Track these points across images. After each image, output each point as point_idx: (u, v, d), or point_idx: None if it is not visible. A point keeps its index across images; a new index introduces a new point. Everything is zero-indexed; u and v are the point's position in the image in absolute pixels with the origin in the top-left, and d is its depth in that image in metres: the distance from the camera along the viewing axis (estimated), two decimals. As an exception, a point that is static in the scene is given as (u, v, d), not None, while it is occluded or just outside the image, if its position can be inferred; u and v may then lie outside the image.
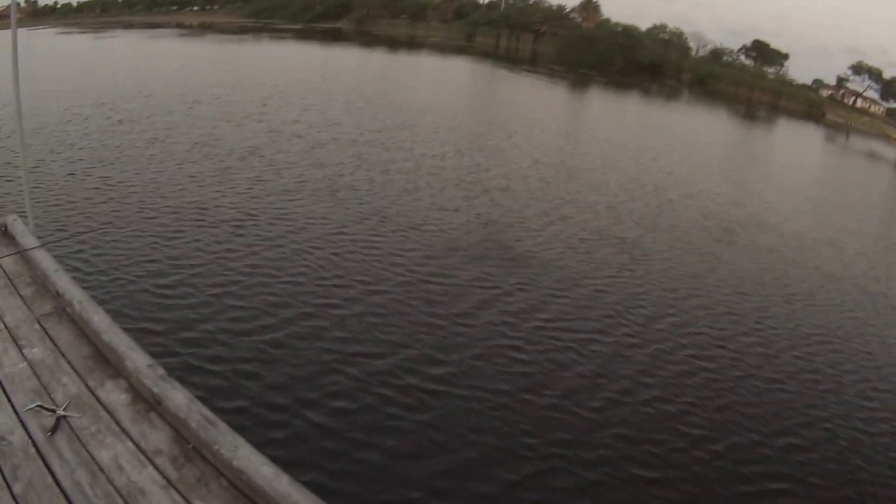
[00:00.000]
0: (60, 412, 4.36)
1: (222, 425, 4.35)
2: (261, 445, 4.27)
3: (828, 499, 8.05)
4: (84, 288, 5.86)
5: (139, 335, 5.62)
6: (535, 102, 44.69)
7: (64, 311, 5.57)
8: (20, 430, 4.20)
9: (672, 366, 10.47)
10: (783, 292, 14.89)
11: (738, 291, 14.29)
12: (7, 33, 6.92)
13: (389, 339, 9.66)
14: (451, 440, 7.74)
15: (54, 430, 4.22)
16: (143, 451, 4.18)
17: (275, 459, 4.15)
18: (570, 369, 9.78)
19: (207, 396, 4.71)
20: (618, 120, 44.64)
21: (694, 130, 46.64)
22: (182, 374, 5.02)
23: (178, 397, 4.52)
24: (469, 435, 7.89)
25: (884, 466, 8.93)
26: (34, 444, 4.10)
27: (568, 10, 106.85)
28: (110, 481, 3.90)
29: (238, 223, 13.00)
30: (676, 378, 10.12)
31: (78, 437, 4.21)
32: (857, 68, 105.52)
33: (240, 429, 4.39)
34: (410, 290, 11.30)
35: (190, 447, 4.26)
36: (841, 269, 17.86)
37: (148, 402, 4.60)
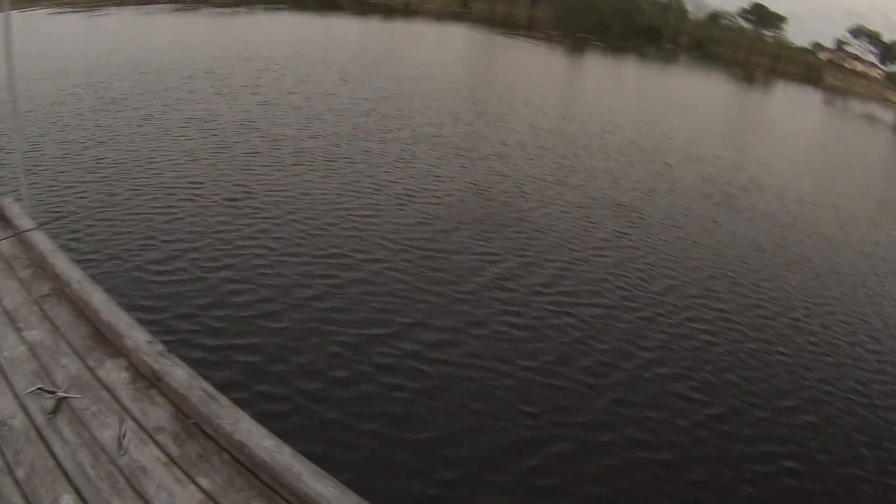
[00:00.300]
0: (61, 394, 4.36)
1: (223, 399, 4.37)
2: (262, 420, 4.29)
3: (828, 464, 8.05)
4: (82, 268, 5.86)
5: (138, 314, 5.60)
6: (532, 68, 44.43)
7: (62, 291, 5.57)
8: (21, 414, 4.20)
9: (672, 330, 10.48)
10: (783, 256, 14.91)
11: (737, 256, 14.29)
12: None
13: (389, 310, 9.61)
14: (450, 410, 7.73)
15: (55, 412, 4.23)
16: (144, 429, 4.19)
17: (276, 434, 4.17)
18: (569, 336, 9.77)
19: (207, 374, 4.71)
20: (616, 85, 44.41)
21: (692, 94, 46.49)
22: (181, 351, 5.02)
23: (178, 373, 4.54)
24: (468, 404, 7.88)
25: (891, 436, 8.95)
26: (35, 428, 4.11)
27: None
28: (112, 461, 3.91)
29: (235, 198, 12.91)
30: (676, 343, 10.13)
31: (79, 418, 4.22)
32: (857, 32, 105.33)
33: (240, 404, 4.41)
34: (409, 261, 11.25)
35: (191, 423, 4.28)
36: (841, 234, 17.88)
37: (148, 380, 4.61)
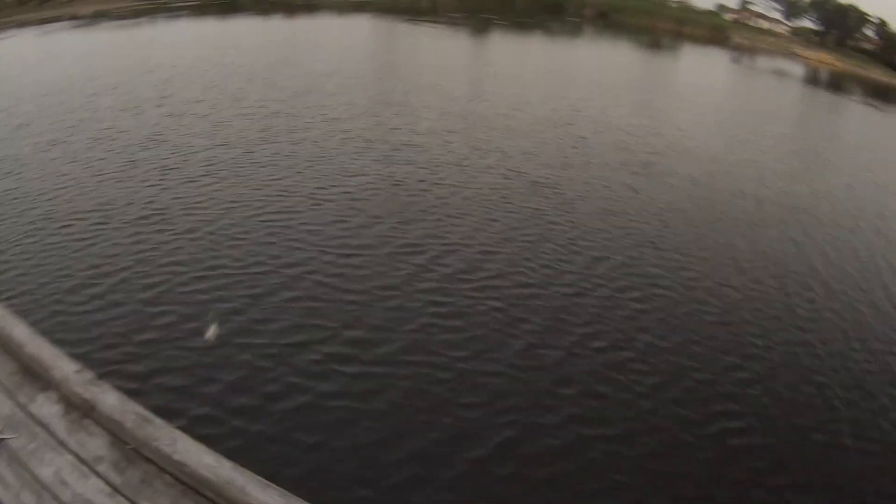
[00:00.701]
0: (-5, 436, 4.30)
1: (158, 421, 4.37)
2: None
3: (788, 430, 8.25)
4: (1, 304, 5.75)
5: (63, 347, 5.49)
6: (438, 53, 44.26)
7: (-17, 330, 5.45)
8: (-41, 463, 4.13)
9: (602, 303, 10.64)
10: (706, 217, 15.29)
11: (660, 221, 14.59)
12: None
13: (314, 314, 9.53)
14: (388, 410, 7.71)
15: (-8, 454, 4.17)
16: (83, 461, 4.17)
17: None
18: (500, 321, 9.82)
19: (139, 400, 4.68)
20: (522, 62, 44.59)
21: (600, 65, 46.99)
22: (110, 380, 4.94)
23: (110, 399, 4.51)
24: (405, 402, 7.88)
25: (840, 388, 9.17)
26: (-25, 474, 4.05)
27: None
28: (56, 498, 3.90)
29: (150, 218, 12.57)
30: (608, 315, 10.28)
31: (18, 459, 4.16)
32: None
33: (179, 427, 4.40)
34: (329, 262, 11.20)
35: (129, 448, 4.26)
36: (762, 188, 18.42)
37: (81, 410, 4.57)
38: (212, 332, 7.27)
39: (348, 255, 11.49)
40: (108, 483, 4.02)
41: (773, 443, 7.96)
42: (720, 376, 9.06)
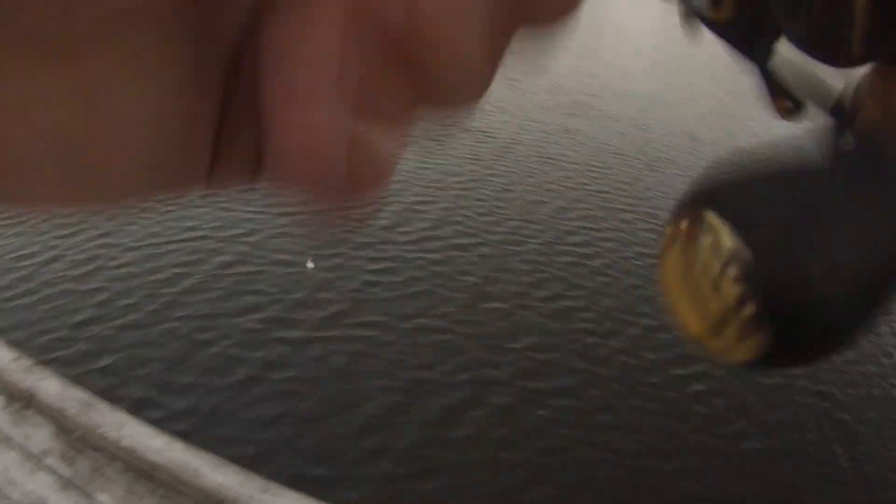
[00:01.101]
0: (-66, 437, 4.17)
1: (102, 405, 4.29)
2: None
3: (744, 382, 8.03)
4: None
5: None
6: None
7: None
8: None
9: (558, 258, 10.26)
10: (647, 159, 15.05)
11: (599, 164, 14.31)
12: None
13: (253, 291, 8.74)
14: (353, 393, 7.34)
15: (-68, 458, 4.05)
16: (30, 456, 4.06)
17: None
18: (455, 281, 9.38)
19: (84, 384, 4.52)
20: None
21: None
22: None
23: (50, 386, 4.41)
24: (369, 382, 7.48)
25: None
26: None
27: None
28: (6, 497, 3.82)
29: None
30: (565, 270, 9.90)
31: (-39, 462, 4.05)
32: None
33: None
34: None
35: (75, 437, 4.17)
36: (700, 128, 18.27)
37: (22, 400, 4.45)
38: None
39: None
40: (58, 476, 3.93)
41: (734, 385, 7.88)
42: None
